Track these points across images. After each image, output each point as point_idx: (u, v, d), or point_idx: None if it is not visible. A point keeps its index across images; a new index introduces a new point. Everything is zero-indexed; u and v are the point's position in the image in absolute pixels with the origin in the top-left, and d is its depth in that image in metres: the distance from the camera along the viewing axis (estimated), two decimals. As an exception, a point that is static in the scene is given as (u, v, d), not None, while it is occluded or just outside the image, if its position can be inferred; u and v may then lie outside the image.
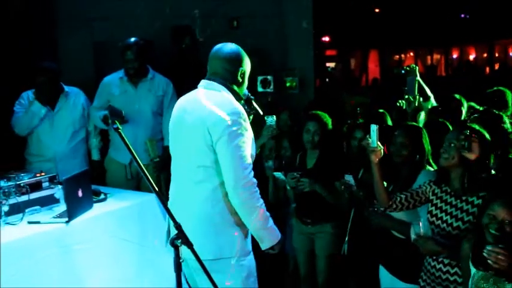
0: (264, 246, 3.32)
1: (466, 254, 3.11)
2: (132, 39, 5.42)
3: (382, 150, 3.55)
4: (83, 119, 5.52)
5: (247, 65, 3.46)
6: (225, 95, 3.31)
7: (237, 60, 3.38)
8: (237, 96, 3.40)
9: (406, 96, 5.28)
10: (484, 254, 2.86)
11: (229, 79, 3.37)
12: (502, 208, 2.95)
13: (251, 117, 3.56)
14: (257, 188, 3.22)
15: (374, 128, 3.54)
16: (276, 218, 3.50)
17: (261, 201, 3.24)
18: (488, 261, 2.83)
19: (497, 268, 2.83)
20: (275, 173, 4.96)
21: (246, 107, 3.47)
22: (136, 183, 5.55)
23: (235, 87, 3.40)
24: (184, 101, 3.42)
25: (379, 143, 3.53)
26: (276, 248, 3.34)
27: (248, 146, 3.22)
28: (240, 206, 3.21)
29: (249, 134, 3.26)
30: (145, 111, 5.45)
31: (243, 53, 3.43)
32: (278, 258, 4.79)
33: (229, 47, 3.42)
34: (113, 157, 5.62)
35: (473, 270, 3.04)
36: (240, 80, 3.41)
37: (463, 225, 3.31)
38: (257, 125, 4.49)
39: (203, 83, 3.40)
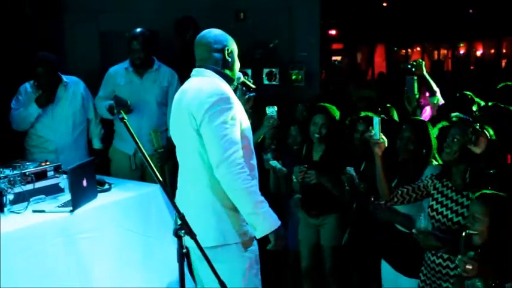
0: (258, 233, 3.17)
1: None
2: (139, 29, 5.42)
3: (385, 143, 3.55)
4: (83, 109, 5.50)
5: (233, 45, 3.43)
6: (209, 79, 3.29)
7: (221, 41, 3.37)
8: (229, 80, 3.40)
9: (406, 95, 5.27)
10: (456, 262, 2.94)
11: (218, 63, 3.36)
12: (475, 206, 3.03)
13: (251, 97, 3.61)
14: (244, 169, 3.10)
15: (377, 120, 3.53)
16: (277, 210, 3.37)
17: (250, 183, 3.12)
18: (459, 269, 2.90)
19: (467, 276, 2.89)
20: (271, 162, 4.94)
21: (243, 88, 3.46)
22: (140, 174, 5.56)
23: (227, 71, 3.39)
24: (180, 91, 3.41)
25: (382, 135, 3.52)
26: (272, 239, 3.19)
27: (233, 126, 3.15)
28: (225, 188, 3.14)
29: (234, 114, 3.18)
30: (150, 101, 5.45)
31: (227, 35, 3.42)
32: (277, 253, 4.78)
33: (213, 31, 3.42)
34: (118, 147, 5.62)
35: None
36: (230, 60, 3.39)
37: (463, 221, 3.32)
38: (258, 115, 4.51)
39: (193, 72, 3.40)
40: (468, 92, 5.56)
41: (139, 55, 5.38)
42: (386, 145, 3.56)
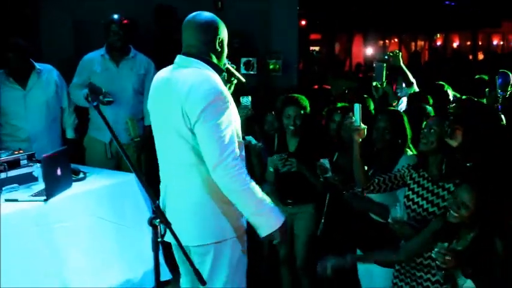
0: (261, 233, 3.02)
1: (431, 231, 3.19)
2: (116, 15, 5.38)
3: (365, 130, 3.56)
4: (56, 97, 5.40)
5: (224, 33, 3.15)
6: (202, 73, 3.02)
7: (213, 29, 3.08)
8: (218, 69, 3.13)
9: (374, 84, 5.30)
10: (433, 255, 2.94)
11: (206, 51, 3.08)
12: (465, 192, 3.00)
13: (233, 85, 3.41)
14: (242, 170, 2.94)
15: (357, 106, 3.54)
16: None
17: (249, 183, 2.96)
18: (437, 262, 2.92)
19: (446, 268, 2.91)
20: (247, 137, 4.79)
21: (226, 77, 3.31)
22: (116, 163, 5.50)
23: (215, 59, 3.11)
24: (161, 79, 3.16)
25: (361, 123, 3.54)
26: (276, 236, 3.03)
27: (228, 126, 2.96)
28: (224, 190, 2.97)
29: (230, 112, 3.00)
30: (127, 89, 5.41)
31: (218, 20, 3.13)
32: (252, 243, 4.78)
33: (204, 15, 3.12)
34: (93, 136, 5.56)
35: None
36: (219, 49, 3.12)
37: (439, 211, 3.35)
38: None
39: (179, 60, 3.11)
40: (442, 83, 5.61)
41: (119, 37, 5.33)
42: (365, 133, 3.57)
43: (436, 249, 2.94)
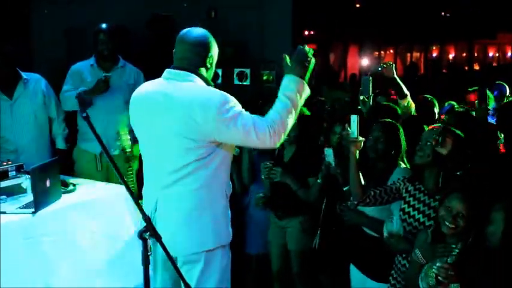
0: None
1: (419, 245, 3.15)
2: (105, 24, 5.35)
3: (362, 142, 3.53)
4: (44, 107, 5.31)
5: (215, 50, 3.26)
6: (201, 83, 3.15)
7: (206, 46, 3.20)
8: (207, 84, 3.21)
9: (361, 97, 5.28)
10: (434, 271, 2.90)
11: (197, 66, 3.18)
12: (458, 201, 2.98)
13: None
14: (270, 129, 3.03)
15: (354, 118, 3.50)
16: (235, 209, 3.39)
17: (280, 118, 3.07)
18: (439, 277, 2.87)
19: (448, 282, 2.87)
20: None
21: None
22: (106, 175, 5.44)
23: (203, 72, 3.21)
24: (154, 91, 3.18)
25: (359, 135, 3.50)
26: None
27: (238, 110, 3.05)
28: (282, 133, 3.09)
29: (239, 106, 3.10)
30: (117, 99, 5.32)
31: (211, 38, 3.24)
32: (239, 257, 4.78)
33: (198, 31, 3.22)
34: (83, 148, 5.48)
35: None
36: (209, 66, 3.24)
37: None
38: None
39: (171, 73, 3.18)
40: (428, 96, 5.61)
41: (107, 46, 5.29)
42: (362, 145, 3.54)
43: (438, 264, 2.90)
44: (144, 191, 3.36)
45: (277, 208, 4.71)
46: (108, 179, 5.30)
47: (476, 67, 23.86)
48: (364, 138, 3.54)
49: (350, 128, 3.51)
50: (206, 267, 3.16)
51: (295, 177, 4.56)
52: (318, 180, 4.43)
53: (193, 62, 3.18)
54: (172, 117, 3.04)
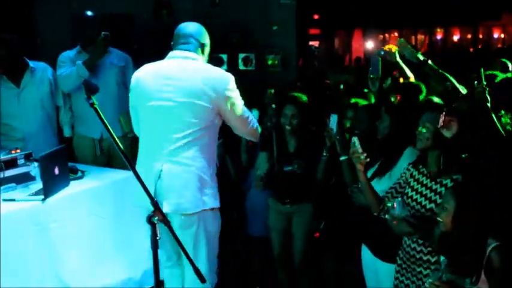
0: None
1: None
2: (90, 11, 5.38)
3: (365, 159, 3.50)
4: (51, 95, 5.35)
5: (208, 42, 3.76)
6: (206, 64, 3.67)
7: (204, 38, 3.71)
8: None
9: (371, 76, 5.25)
10: (426, 285, 2.93)
11: (197, 51, 3.66)
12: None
13: None
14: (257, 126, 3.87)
15: (335, 117, 3.55)
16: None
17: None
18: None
19: None
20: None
21: None
22: (107, 159, 5.45)
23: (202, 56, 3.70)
24: (166, 68, 3.58)
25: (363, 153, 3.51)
26: None
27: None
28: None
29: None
30: (110, 82, 5.34)
31: (206, 32, 3.75)
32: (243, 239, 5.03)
33: (197, 26, 3.73)
34: (81, 133, 5.49)
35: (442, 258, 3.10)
36: (204, 56, 3.73)
37: (436, 208, 3.31)
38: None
39: (178, 53, 3.61)
40: (415, 82, 5.58)
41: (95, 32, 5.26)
42: (366, 161, 3.53)
43: (430, 280, 2.92)
44: (143, 163, 3.60)
45: (285, 196, 4.72)
46: (109, 164, 5.33)
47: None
48: (366, 154, 3.51)
49: (330, 125, 3.66)
50: (200, 230, 3.53)
51: (305, 164, 4.58)
52: (324, 153, 4.42)
53: (193, 49, 3.64)
54: (189, 86, 3.48)
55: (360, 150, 3.49)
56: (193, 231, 3.52)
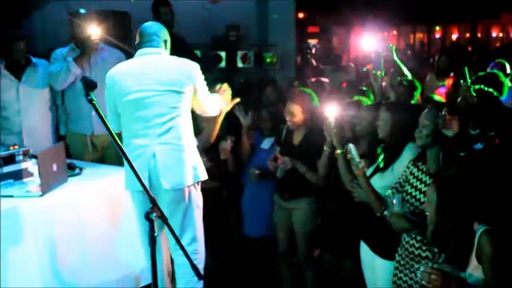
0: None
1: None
2: (82, 9, 5.40)
3: (365, 167, 3.59)
4: (50, 92, 5.38)
5: (168, 37, 4.13)
6: (173, 56, 4.07)
7: (165, 35, 4.08)
8: None
9: (374, 72, 5.26)
10: (418, 274, 2.92)
11: (163, 46, 4.05)
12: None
13: None
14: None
15: (351, 146, 3.60)
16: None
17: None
18: (423, 282, 2.88)
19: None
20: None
21: None
22: (99, 156, 5.46)
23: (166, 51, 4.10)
24: (141, 64, 3.96)
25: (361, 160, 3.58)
26: None
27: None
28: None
29: None
30: (103, 79, 5.31)
31: (164, 28, 4.14)
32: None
33: (158, 24, 4.13)
34: (73, 130, 5.49)
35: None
36: (166, 49, 4.09)
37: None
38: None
39: (147, 50, 3.99)
40: (410, 78, 5.60)
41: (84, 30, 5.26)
42: (365, 168, 3.62)
43: (421, 269, 2.91)
44: (132, 152, 3.81)
45: (284, 191, 4.74)
46: (102, 161, 5.33)
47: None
48: (363, 161, 3.58)
49: (350, 155, 3.60)
50: (190, 202, 3.95)
51: (305, 158, 4.59)
52: (326, 148, 4.43)
53: (158, 45, 4.03)
54: (166, 77, 3.91)
55: (358, 159, 3.55)
56: (184, 205, 3.94)
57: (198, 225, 4.06)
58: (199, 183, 4.06)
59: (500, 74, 5.36)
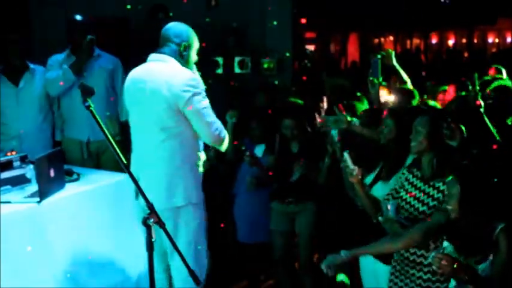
0: None
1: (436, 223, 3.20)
2: (79, 15, 5.44)
3: (359, 175, 3.59)
4: (48, 98, 5.40)
5: (191, 40, 3.83)
6: (175, 66, 3.72)
7: (180, 36, 3.78)
8: (182, 65, 3.78)
9: (371, 78, 5.27)
10: (429, 259, 2.94)
11: (174, 54, 3.76)
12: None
13: None
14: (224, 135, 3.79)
15: (346, 154, 3.61)
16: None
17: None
18: (433, 266, 2.90)
19: (442, 273, 2.89)
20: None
21: None
22: (95, 162, 5.46)
23: (179, 58, 3.78)
24: (139, 72, 3.78)
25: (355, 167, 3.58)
26: None
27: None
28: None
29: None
30: (98, 85, 5.29)
31: (188, 31, 3.83)
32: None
33: (176, 25, 3.84)
34: (68, 136, 5.50)
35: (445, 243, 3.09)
36: (184, 54, 3.80)
37: (428, 210, 3.36)
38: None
39: (153, 56, 3.78)
40: (408, 86, 5.61)
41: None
42: (360, 176, 3.60)
43: (432, 254, 2.92)
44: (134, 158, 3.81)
45: (288, 195, 4.76)
46: (97, 167, 5.33)
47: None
48: (357, 168, 3.58)
49: (345, 162, 3.61)
50: (179, 222, 3.71)
51: (308, 164, 4.65)
52: (326, 160, 4.45)
53: (168, 52, 3.76)
54: (153, 89, 3.63)
55: (352, 166, 3.56)
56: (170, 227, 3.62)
57: (190, 249, 3.80)
58: (200, 200, 3.86)
59: (500, 77, 5.40)
